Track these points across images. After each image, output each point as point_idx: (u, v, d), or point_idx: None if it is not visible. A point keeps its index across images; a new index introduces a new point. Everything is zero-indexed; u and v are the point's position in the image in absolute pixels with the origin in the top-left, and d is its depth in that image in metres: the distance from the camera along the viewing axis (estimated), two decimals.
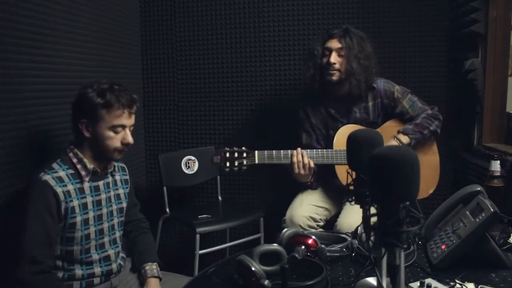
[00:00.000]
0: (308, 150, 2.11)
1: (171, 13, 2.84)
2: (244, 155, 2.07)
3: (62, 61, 1.98)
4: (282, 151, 2.09)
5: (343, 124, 2.21)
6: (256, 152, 2.09)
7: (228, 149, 2.08)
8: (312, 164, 2.06)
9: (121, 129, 1.56)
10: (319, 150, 2.12)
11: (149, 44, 2.88)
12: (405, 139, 2.14)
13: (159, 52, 2.88)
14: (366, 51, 2.18)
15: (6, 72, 1.63)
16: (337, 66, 2.15)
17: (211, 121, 2.88)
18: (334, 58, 2.15)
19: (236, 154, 2.07)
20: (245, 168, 2.07)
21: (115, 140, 1.56)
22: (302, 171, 2.06)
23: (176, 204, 2.64)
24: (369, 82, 2.20)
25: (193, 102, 2.89)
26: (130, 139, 1.58)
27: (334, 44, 2.16)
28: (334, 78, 2.16)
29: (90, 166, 1.57)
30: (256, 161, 2.08)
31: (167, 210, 2.54)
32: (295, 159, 2.06)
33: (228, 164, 2.06)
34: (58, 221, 1.48)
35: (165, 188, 2.56)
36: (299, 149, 2.08)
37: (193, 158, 2.68)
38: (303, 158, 2.05)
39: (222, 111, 2.86)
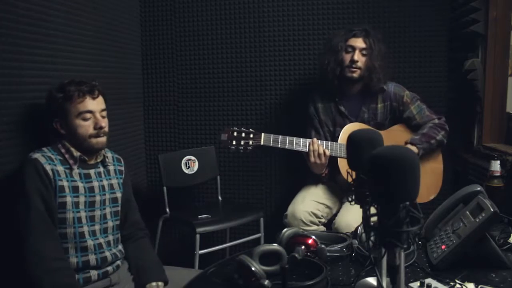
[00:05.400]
0: (319, 141, 2.17)
1: (171, 13, 2.84)
2: (251, 135, 2.14)
3: (62, 61, 1.98)
4: (288, 137, 2.16)
5: (351, 122, 2.26)
6: (263, 134, 2.15)
7: (236, 128, 2.15)
8: (328, 153, 2.13)
9: (90, 115, 1.60)
10: (328, 142, 2.18)
11: (149, 44, 2.88)
12: (413, 149, 2.13)
13: (159, 52, 2.88)
14: (382, 51, 2.27)
15: (6, 72, 1.63)
16: (359, 64, 2.22)
17: (211, 121, 2.88)
18: (357, 56, 2.21)
19: (243, 134, 2.14)
20: (250, 148, 2.14)
21: (87, 127, 1.59)
22: (317, 160, 2.12)
23: (176, 204, 2.64)
24: (384, 81, 2.26)
25: (193, 102, 2.89)
26: (102, 123, 1.61)
27: (359, 43, 2.23)
28: (355, 75, 2.23)
29: (76, 154, 1.60)
30: (262, 142, 2.14)
31: (167, 210, 2.54)
32: (311, 147, 2.13)
33: (234, 142, 2.13)
34: (54, 196, 1.51)
35: (165, 188, 2.56)
36: (315, 139, 2.16)
37: (193, 158, 2.68)
38: (319, 147, 2.13)
39: (222, 111, 2.86)
